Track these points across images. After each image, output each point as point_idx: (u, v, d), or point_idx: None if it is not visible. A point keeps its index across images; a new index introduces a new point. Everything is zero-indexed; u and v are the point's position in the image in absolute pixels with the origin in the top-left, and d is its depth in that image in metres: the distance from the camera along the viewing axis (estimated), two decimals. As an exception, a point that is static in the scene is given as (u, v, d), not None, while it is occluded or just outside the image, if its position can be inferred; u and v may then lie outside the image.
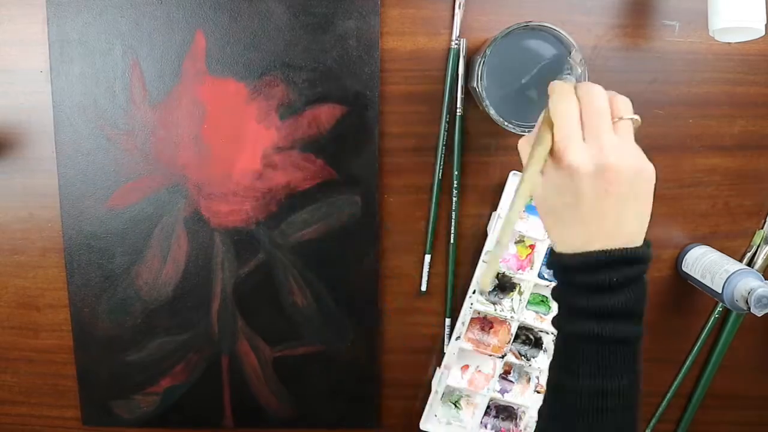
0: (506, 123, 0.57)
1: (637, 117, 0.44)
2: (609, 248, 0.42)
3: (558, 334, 0.45)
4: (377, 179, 0.64)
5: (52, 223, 0.65)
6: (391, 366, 0.68)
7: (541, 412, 0.47)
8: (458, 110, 0.63)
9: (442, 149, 0.64)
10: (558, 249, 0.44)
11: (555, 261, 0.44)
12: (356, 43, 0.62)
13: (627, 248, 0.42)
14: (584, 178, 0.41)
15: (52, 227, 0.65)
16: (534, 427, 0.45)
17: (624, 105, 0.44)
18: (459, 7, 0.61)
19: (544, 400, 0.46)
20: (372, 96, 0.63)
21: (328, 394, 0.68)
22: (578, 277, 0.42)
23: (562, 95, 0.43)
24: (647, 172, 0.42)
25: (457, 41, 0.62)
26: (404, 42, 0.63)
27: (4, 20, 0.62)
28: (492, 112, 0.56)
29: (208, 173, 0.63)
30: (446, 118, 0.63)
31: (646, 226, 0.43)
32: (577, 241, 0.42)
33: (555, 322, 0.45)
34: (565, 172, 0.42)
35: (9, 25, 0.62)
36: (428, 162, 0.65)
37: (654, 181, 0.43)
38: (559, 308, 0.45)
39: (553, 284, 0.46)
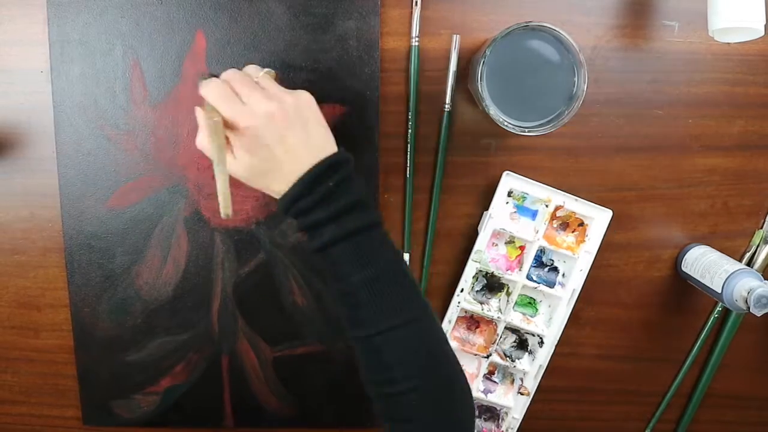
0: (506, 123, 0.57)
1: (269, 70, 0.53)
2: (314, 164, 0.49)
3: (316, 257, 0.50)
4: (377, 179, 0.64)
5: (52, 223, 0.65)
6: (391, 366, 0.69)
7: (349, 332, 0.51)
8: (447, 107, 0.63)
9: (411, 150, 0.64)
10: (279, 196, 0.50)
11: (285, 203, 0.50)
12: (356, 43, 0.62)
13: (327, 157, 0.49)
14: (261, 129, 0.48)
15: (52, 227, 0.65)
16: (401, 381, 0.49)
17: (254, 69, 0.53)
18: (416, 4, 0.62)
19: (345, 322, 0.51)
20: (372, 96, 0.63)
21: (328, 394, 0.68)
22: (305, 201, 0.49)
23: (210, 85, 0.50)
24: (303, 98, 0.50)
25: (416, 39, 0.62)
26: (404, 42, 0.63)
27: (4, 20, 0.62)
28: (492, 112, 0.56)
29: (209, 173, 0.64)
30: (414, 117, 0.64)
31: (330, 137, 0.51)
32: (288, 178, 0.49)
33: (309, 248, 0.50)
34: (246, 135, 0.49)
35: (9, 26, 0.62)
36: (428, 162, 0.65)
37: (313, 102, 0.51)
38: (308, 237, 0.50)
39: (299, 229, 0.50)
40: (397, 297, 0.49)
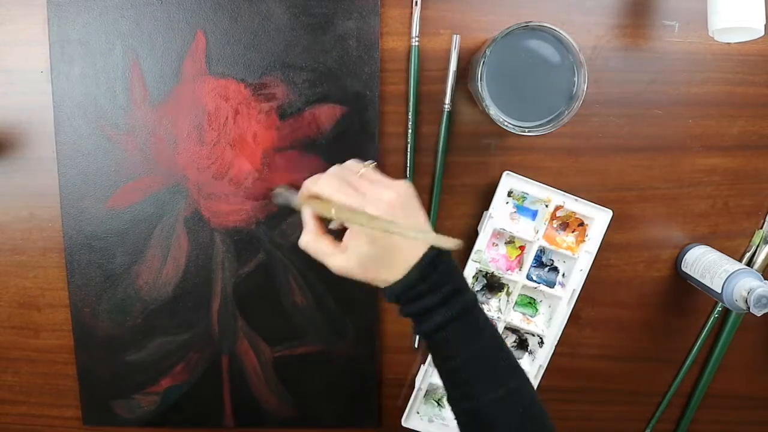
0: (506, 123, 0.57)
1: (370, 162, 0.53)
2: (424, 252, 0.50)
3: (423, 339, 0.51)
4: (377, 179, 0.64)
5: (52, 223, 0.65)
6: (391, 366, 0.69)
7: (458, 404, 0.51)
8: (447, 107, 0.63)
9: (411, 150, 0.64)
10: (387, 284, 0.50)
11: (396, 291, 0.50)
12: (356, 43, 0.62)
13: (432, 247, 0.50)
14: (385, 218, 0.48)
15: (52, 227, 0.65)
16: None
17: (355, 163, 0.54)
18: (416, 4, 0.62)
19: (450, 400, 0.52)
20: (372, 96, 0.63)
21: (328, 394, 0.68)
22: (417, 289, 0.49)
23: (324, 179, 0.51)
24: (408, 186, 0.51)
25: (416, 39, 0.62)
26: (404, 42, 0.63)
27: (4, 20, 0.62)
28: (492, 112, 0.56)
29: (208, 173, 0.64)
30: (414, 117, 0.64)
31: (428, 221, 0.52)
32: (401, 267, 0.50)
33: (417, 331, 0.51)
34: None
35: (9, 26, 0.62)
36: (428, 162, 0.65)
37: (413, 188, 0.51)
38: (416, 321, 0.51)
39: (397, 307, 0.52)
40: (501, 367, 0.51)
